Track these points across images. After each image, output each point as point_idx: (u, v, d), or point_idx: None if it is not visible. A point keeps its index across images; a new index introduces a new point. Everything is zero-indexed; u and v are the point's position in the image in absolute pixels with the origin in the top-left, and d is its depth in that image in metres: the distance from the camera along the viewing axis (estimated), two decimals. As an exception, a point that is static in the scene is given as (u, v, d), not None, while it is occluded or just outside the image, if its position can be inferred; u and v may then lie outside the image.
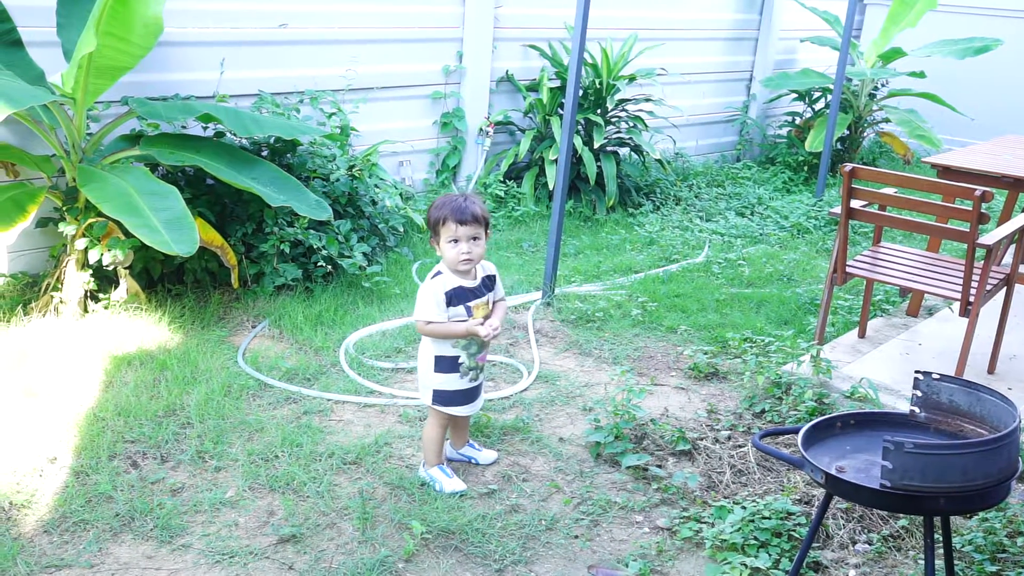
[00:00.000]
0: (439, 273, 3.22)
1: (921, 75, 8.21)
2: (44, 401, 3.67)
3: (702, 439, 3.69)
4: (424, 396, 3.33)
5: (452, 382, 3.27)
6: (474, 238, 3.16)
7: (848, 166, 4.21)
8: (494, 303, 3.32)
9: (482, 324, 3.19)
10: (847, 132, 8.41)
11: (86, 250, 4.25)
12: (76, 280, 4.31)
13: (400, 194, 5.77)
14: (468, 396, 3.34)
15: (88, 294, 4.40)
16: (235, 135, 4.80)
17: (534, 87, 6.94)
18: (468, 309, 3.21)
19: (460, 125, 6.59)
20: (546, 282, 5.08)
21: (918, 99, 8.44)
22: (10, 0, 4.35)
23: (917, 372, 2.65)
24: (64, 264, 4.36)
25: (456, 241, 3.16)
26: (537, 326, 4.77)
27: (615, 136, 7.11)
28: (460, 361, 3.25)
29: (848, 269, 4.42)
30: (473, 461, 3.51)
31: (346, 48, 5.86)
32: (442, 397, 3.29)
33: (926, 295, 5.15)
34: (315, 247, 4.82)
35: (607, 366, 4.38)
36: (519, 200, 6.64)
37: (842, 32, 7.53)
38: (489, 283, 3.30)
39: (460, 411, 3.34)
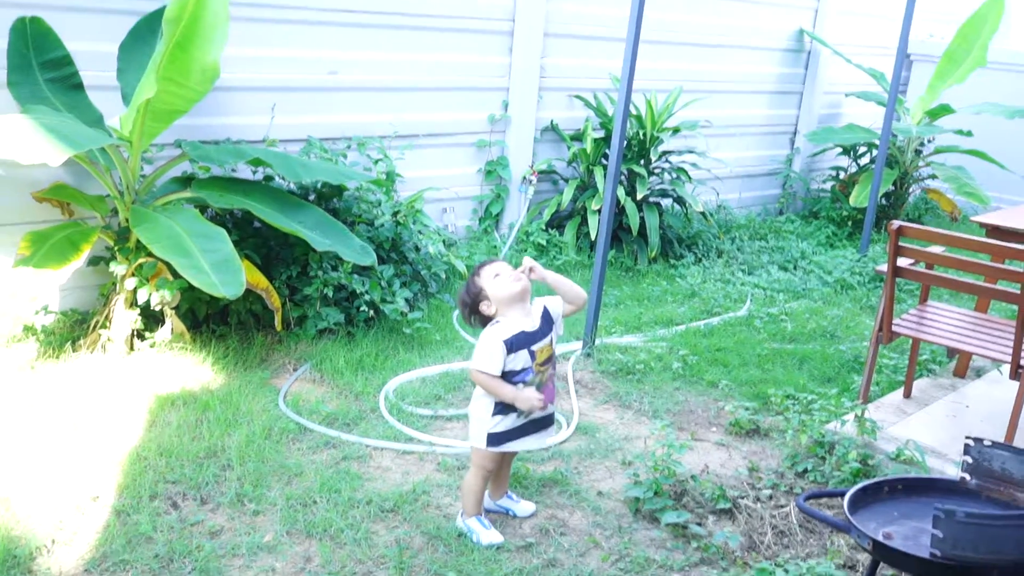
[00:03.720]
0: (497, 322, 3.20)
1: (968, 134, 8.15)
2: (88, 438, 3.72)
3: (743, 498, 3.64)
4: (476, 440, 3.26)
5: (509, 421, 3.23)
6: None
7: (895, 224, 4.17)
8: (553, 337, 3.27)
9: (537, 392, 3.17)
10: (892, 187, 8.35)
11: (135, 290, 4.32)
12: (124, 319, 4.39)
13: (443, 241, 5.81)
14: (525, 430, 3.26)
15: (135, 332, 4.47)
16: (284, 179, 4.88)
17: (578, 137, 6.99)
18: (532, 354, 3.17)
19: (504, 173, 6.65)
20: (587, 332, 5.07)
21: (965, 156, 8.36)
22: (73, 45, 4.49)
23: (968, 438, 2.60)
24: (113, 302, 4.43)
25: (499, 275, 3.17)
26: (577, 377, 4.75)
27: (658, 187, 7.12)
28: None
29: (894, 328, 4.36)
30: (511, 513, 3.48)
31: (394, 96, 5.96)
32: (497, 438, 3.23)
33: (974, 356, 5.06)
34: (358, 292, 4.86)
35: (647, 419, 4.34)
36: (561, 249, 6.65)
37: (888, 87, 7.51)
38: (548, 320, 3.25)
39: (518, 446, 3.28)
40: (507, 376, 3.17)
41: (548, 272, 3.29)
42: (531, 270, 3.23)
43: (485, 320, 3.24)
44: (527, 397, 3.16)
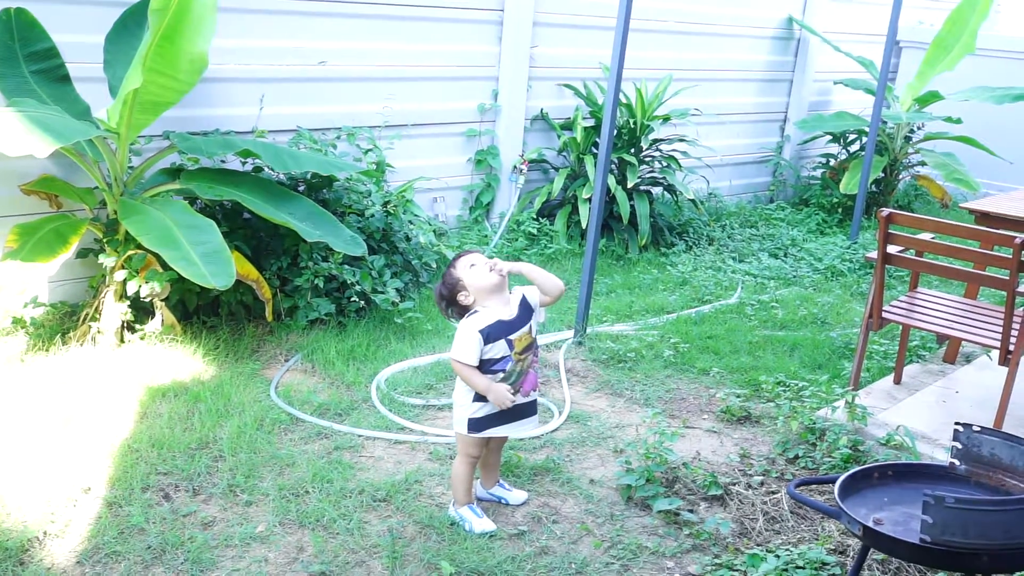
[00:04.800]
0: (475, 311, 3.22)
1: (958, 121, 8.17)
2: (80, 430, 3.71)
3: (734, 484, 3.65)
4: (458, 426, 3.28)
5: (489, 407, 3.23)
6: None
7: (885, 211, 4.18)
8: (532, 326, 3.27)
9: (508, 387, 3.18)
10: (882, 175, 8.37)
11: (125, 281, 4.31)
12: (114, 311, 4.37)
13: (434, 230, 5.81)
14: (506, 416, 3.26)
15: (125, 324, 4.46)
16: (273, 170, 4.87)
17: (568, 126, 6.98)
18: (509, 343, 3.18)
19: (494, 162, 6.64)
20: (578, 321, 5.08)
21: (955, 142, 8.38)
22: (59, 37, 4.47)
23: (957, 424, 2.61)
24: (103, 295, 4.42)
25: (474, 264, 3.18)
26: (568, 365, 4.76)
27: (648, 175, 7.12)
28: None
29: (884, 315, 4.38)
30: (503, 501, 3.49)
31: (383, 85, 5.94)
32: (478, 423, 3.24)
33: (964, 342, 5.08)
34: (349, 282, 4.86)
35: (638, 407, 4.35)
36: (552, 238, 6.65)
37: (877, 75, 7.52)
38: (526, 309, 3.26)
39: (499, 432, 3.29)
40: (486, 365, 3.17)
41: (520, 264, 3.27)
42: (498, 268, 3.18)
43: (463, 311, 3.24)
44: (498, 391, 3.16)
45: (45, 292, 4.67)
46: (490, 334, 3.16)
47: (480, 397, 3.21)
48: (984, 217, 5.02)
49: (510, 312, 3.21)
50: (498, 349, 3.17)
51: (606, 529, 3.37)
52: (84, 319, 4.47)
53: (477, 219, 6.67)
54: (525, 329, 3.23)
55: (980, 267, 4.57)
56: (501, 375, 3.19)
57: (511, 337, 3.19)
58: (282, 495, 3.40)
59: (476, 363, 3.16)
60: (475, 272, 3.19)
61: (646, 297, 5.92)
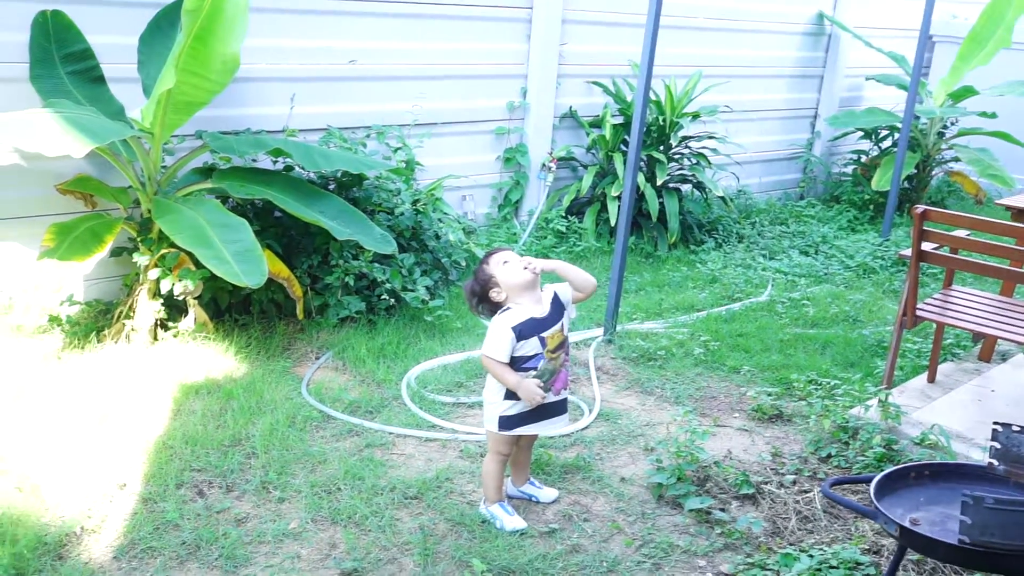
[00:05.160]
0: (508, 308, 3.21)
1: (992, 116, 8.04)
2: (115, 426, 3.75)
3: (766, 483, 3.63)
4: (489, 424, 3.28)
5: (521, 405, 3.23)
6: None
7: (920, 208, 4.13)
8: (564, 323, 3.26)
9: (539, 384, 3.18)
10: (915, 171, 8.27)
11: (158, 280, 4.35)
12: (148, 309, 4.42)
13: (463, 228, 5.82)
14: (537, 414, 3.27)
15: (158, 322, 4.50)
16: (304, 169, 4.90)
17: (597, 123, 6.97)
18: (542, 341, 3.18)
19: (523, 160, 6.64)
20: (608, 319, 5.06)
21: (989, 138, 8.27)
22: (94, 38, 4.52)
23: (996, 423, 2.58)
24: (136, 293, 4.47)
25: (507, 262, 3.18)
26: (598, 363, 4.75)
27: (678, 173, 7.09)
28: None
29: (919, 313, 4.33)
30: (534, 499, 3.49)
31: (412, 84, 5.96)
32: (509, 421, 3.25)
33: (999, 340, 5.01)
34: (379, 280, 4.87)
35: (669, 405, 4.34)
36: (580, 236, 6.64)
37: (909, 70, 7.43)
38: (558, 307, 3.25)
39: (529, 430, 3.29)
40: (518, 362, 3.17)
41: (553, 261, 3.26)
42: (532, 266, 3.18)
43: (493, 308, 3.24)
44: (528, 388, 3.16)
45: (80, 290, 4.73)
46: (522, 331, 3.15)
47: (511, 395, 3.21)
48: (1021, 213, 4.95)
49: (542, 310, 3.20)
50: (530, 347, 3.17)
51: (637, 527, 3.36)
52: (118, 317, 4.52)
53: (506, 217, 6.67)
54: (557, 327, 3.22)
55: (1017, 264, 4.50)
56: (533, 373, 3.19)
57: (543, 335, 3.18)
58: (314, 492, 3.43)
59: (507, 360, 3.16)
60: (508, 269, 3.19)
61: (676, 295, 5.90)
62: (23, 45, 4.40)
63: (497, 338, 3.16)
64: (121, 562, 2.99)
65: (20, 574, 2.88)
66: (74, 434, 3.68)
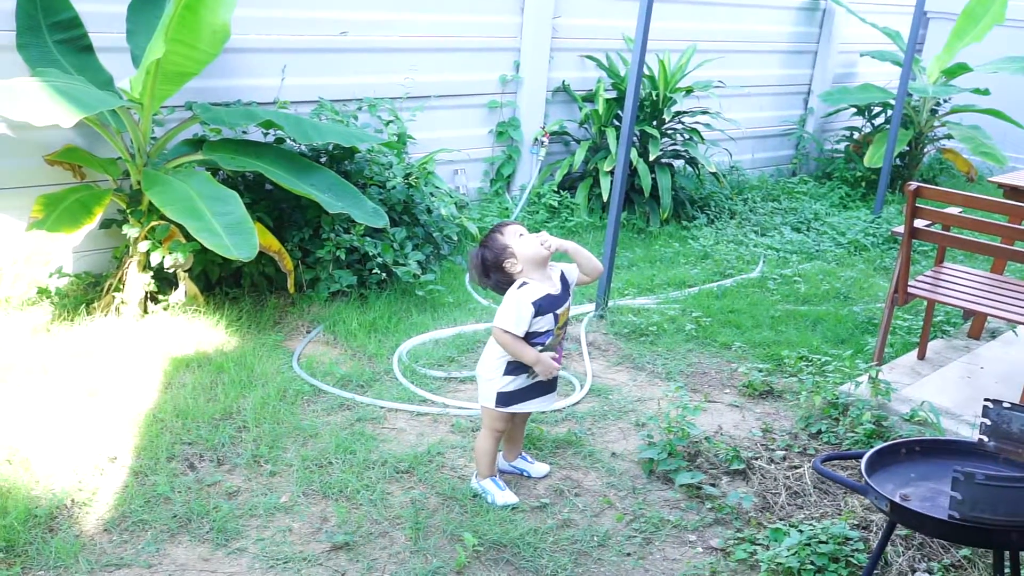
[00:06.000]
0: (525, 283, 3.19)
1: (985, 92, 8.03)
2: (105, 400, 3.74)
3: (757, 459, 3.64)
4: (485, 399, 3.27)
5: (520, 382, 3.24)
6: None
7: (913, 185, 4.13)
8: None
9: (555, 358, 3.21)
10: (907, 148, 8.27)
11: (148, 252, 4.32)
12: (137, 281, 4.39)
13: (455, 203, 5.79)
14: (535, 391, 3.28)
15: (148, 295, 4.48)
16: (295, 141, 4.85)
17: (590, 98, 6.93)
18: (556, 317, 3.19)
19: (515, 134, 6.60)
20: (600, 294, 5.06)
21: (982, 115, 8.26)
22: (82, 6, 4.45)
23: (987, 400, 2.59)
24: (126, 265, 4.44)
25: (523, 235, 3.17)
26: (590, 339, 4.75)
27: (670, 148, 7.06)
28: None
29: (910, 290, 4.34)
30: (525, 474, 3.49)
31: (405, 57, 5.90)
32: (506, 398, 3.25)
33: (989, 317, 5.03)
34: (370, 254, 4.85)
35: (660, 381, 4.34)
36: (572, 211, 6.62)
37: (904, 47, 7.40)
38: (567, 286, 3.26)
39: (526, 407, 3.29)
40: (530, 338, 3.17)
41: (568, 242, 3.27)
42: (548, 243, 3.18)
43: (502, 280, 3.22)
44: (546, 362, 3.18)
45: (69, 262, 4.69)
46: (541, 307, 3.15)
47: (511, 370, 3.21)
48: (1012, 191, 4.96)
49: (555, 287, 3.21)
50: (545, 322, 3.17)
51: (628, 502, 3.38)
52: (108, 289, 4.49)
53: (498, 191, 6.64)
54: (567, 304, 3.25)
55: (1008, 242, 4.51)
56: (540, 348, 3.20)
57: (558, 311, 3.20)
58: (305, 466, 3.42)
59: (523, 335, 3.15)
60: (525, 242, 3.17)
61: (668, 271, 5.89)
62: (9, 13, 4.34)
63: (515, 312, 3.13)
64: (112, 535, 2.99)
65: (11, 546, 2.88)
66: (64, 407, 3.66)
